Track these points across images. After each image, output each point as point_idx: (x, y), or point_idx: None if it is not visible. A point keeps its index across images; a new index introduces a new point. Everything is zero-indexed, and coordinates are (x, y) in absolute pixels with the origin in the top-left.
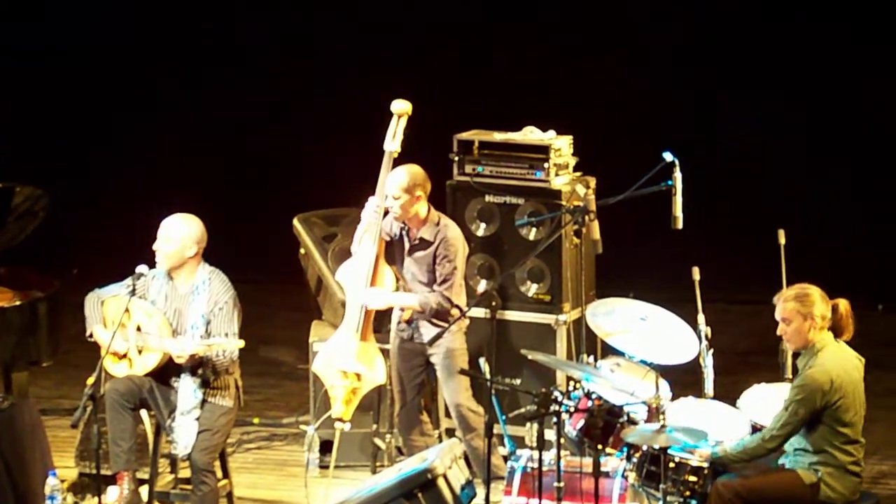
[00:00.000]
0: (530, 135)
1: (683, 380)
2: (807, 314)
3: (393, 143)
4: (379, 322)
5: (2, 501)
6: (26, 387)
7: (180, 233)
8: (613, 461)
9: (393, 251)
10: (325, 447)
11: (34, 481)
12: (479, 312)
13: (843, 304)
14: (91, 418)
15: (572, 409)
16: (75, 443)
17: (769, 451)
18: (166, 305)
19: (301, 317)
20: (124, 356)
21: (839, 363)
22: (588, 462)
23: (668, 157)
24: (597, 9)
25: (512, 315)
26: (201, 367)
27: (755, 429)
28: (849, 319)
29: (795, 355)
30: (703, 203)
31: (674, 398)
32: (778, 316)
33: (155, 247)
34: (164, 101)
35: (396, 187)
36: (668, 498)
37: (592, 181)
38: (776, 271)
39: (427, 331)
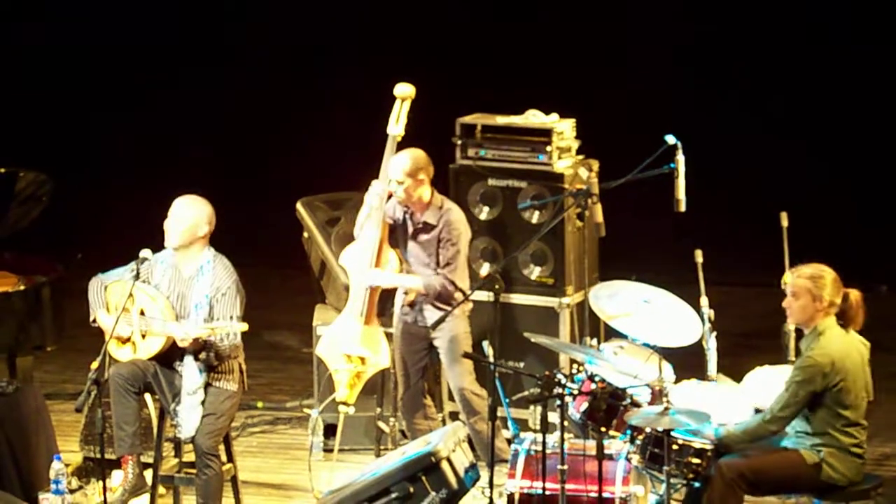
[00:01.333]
0: (533, 118)
1: (687, 362)
2: (817, 295)
3: (396, 126)
4: (382, 306)
5: (7, 485)
6: (31, 371)
7: (194, 212)
8: (617, 444)
9: (396, 235)
10: (329, 431)
11: (39, 465)
12: (483, 296)
13: (855, 295)
14: (95, 402)
15: (576, 392)
16: (80, 427)
17: (771, 432)
18: (170, 289)
19: (304, 301)
20: (128, 340)
21: (841, 346)
22: (592, 445)
23: (670, 139)
24: None
25: (515, 298)
26: (204, 351)
27: (758, 412)
28: (858, 311)
29: (798, 338)
30: (705, 186)
31: (677, 380)
32: (788, 289)
33: (166, 224)
34: (166, 85)
35: (400, 171)
36: (672, 480)
37: (595, 164)
38: (779, 254)
39: (430, 314)
